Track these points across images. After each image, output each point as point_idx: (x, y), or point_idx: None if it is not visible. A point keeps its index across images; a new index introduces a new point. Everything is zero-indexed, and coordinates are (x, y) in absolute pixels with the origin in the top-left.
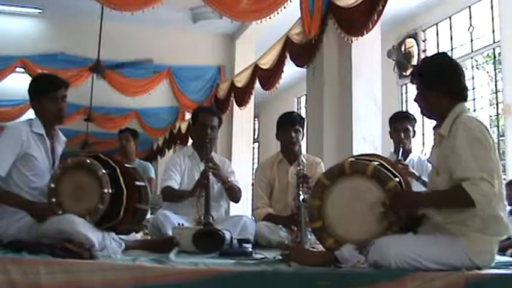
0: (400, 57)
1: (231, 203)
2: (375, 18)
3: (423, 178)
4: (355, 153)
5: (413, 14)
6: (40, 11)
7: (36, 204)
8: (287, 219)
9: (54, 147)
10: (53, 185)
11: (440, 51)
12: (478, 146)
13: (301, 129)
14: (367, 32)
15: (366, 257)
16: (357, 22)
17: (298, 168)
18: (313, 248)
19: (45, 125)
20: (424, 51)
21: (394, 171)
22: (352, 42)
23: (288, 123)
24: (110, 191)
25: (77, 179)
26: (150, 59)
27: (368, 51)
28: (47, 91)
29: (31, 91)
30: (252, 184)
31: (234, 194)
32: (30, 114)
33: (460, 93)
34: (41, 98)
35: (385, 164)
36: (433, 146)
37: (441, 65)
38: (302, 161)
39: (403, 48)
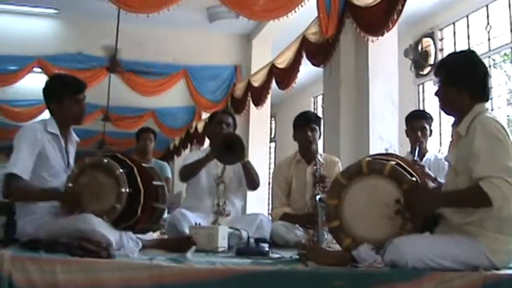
0: (416, 57)
1: (248, 202)
2: (395, 17)
3: (439, 180)
4: (371, 152)
5: (430, 13)
6: (57, 11)
7: (65, 194)
8: (304, 218)
9: (67, 147)
10: (70, 185)
11: (457, 50)
12: (496, 145)
13: (317, 128)
14: (387, 31)
15: (383, 257)
16: (376, 22)
17: (315, 167)
18: (329, 247)
19: (61, 125)
20: (441, 50)
21: (411, 171)
22: (372, 41)
23: (304, 123)
24: (127, 190)
25: (94, 179)
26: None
27: (385, 51)
28: (69, 92)
29: (50, 91)
30: (269, 183)
31: (251, 175)
32: (47, 114)
33: (482, 93)
34: (62, 98)
35: (402, 163)
36: (451, 143)
37: (468, 62)
38: (319, 160)
39: (419, 48)
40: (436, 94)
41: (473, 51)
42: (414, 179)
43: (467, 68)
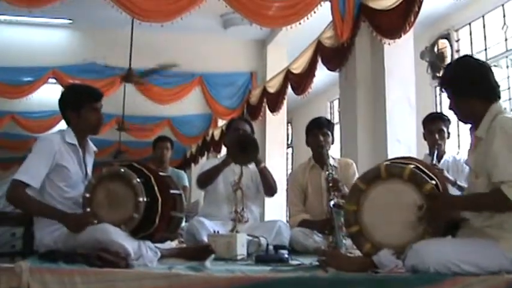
0: (433, 58)
1: (266, 209)
2: (412, 19)
3: (459, 183)
4: (389, 156)
5: (445, 14)
6: (70, 21)
7: (70, 216)
8: (321, 224)
9: (85, 157)
10: (88, 195)
11: (474, 51)
12: None
13: (329, 133)
14: (404, 34)
15: (404, 262)
16: (393, 24)
17: (327, 172)
18: (350, 253)
19: (78, 135)
20: (458, 51)
21: (430, 174)
22: (388, 44)
23: (316, 128)
24: (145, 199)
25: (111, 188)
26: (174, 65)
27: (401, 53)
28: (86, 101)
29: (67, 101)
30: (287, 190)
31: (268, 181)
32: (63, 124)
33: (492, 93)
34: (79, 108)
35: (421, 166)
36: (470, 148)
37: (466, 69)
38: (331, 164)
39: (436, 49)
40: (450, 108)
41: (466, 56)
42: (434, 182)
43: (467, 75)
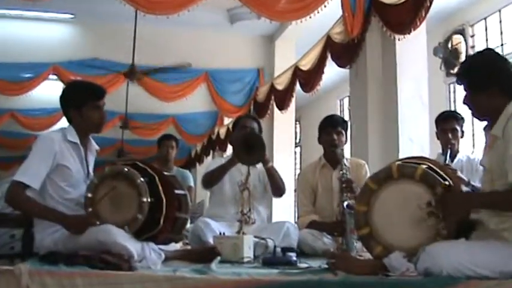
0: (447, 55)
1: (274, 210)
2: (423, 14)
3: (473, 184)
4: (401, 155)
5: (460, 9)
6: (72, 16)
7: (71, 218)
8: (331, 225)
9: (87, 156)
10: (90, 195)
11: (489, 46)
12: None
13: (343, 132)
14: (414, 29)
15: (416, 265)
16: (403, 19)
17: (341, 172)
18: (360, 255)
19: (80, 134)
20: (473, 47)
21: (443, 174)
22: (399, 40)
23: (330, 126)
24: (149, 199)
25: (114, 188)
26: (187, 64)
27: (413, 49)
28: (88, 99)
29: (69, 99)
30: (295, 190)
31: (276, 180)
32: (64, 122)
33: (511, 89)
34: (81, 106)
35: (434, 166)
36: (485, 148)
37: (488, 62)
38: (345, 164)
39: (449, 45)
40: (465, 103)
41: (489, 49)
42: (447, 183)
43: (491, 68)
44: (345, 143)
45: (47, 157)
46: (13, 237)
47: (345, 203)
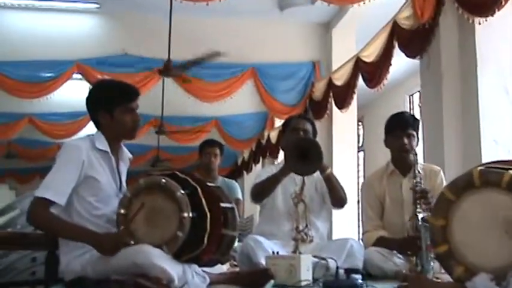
0: None
1: (334, 224)
2: None
3: None
4: (484, 159)
5: None
6: (97, 5)
7: (102, 236)
8: (403, 243)
9: (118, 166)
10: (123, 211)
11: None
12: None
13: (415, 134)
14: (498, 10)
15: None
16: None
17: (414, 181)
18: (437, 278)
19: (111, 141)
20: None
21: None
22: (479, 23)
23: (398, 127)
24: (191, 215)
25: (151, 203)
26: (218, 53)
27: (496, 35)
28: (120, 101)
29: (97, 101)
30: (358, 202)
31: (336, 189)
32: (90, 128)
33: None
34: (111, 109)
35: None
36: None
37: None
38: (418, 171)
39: None
40: None
41: None
42: None
43: None
44: (417, 146)
45: (74, 168)
46: (34, 261)
47: (421, 216)
